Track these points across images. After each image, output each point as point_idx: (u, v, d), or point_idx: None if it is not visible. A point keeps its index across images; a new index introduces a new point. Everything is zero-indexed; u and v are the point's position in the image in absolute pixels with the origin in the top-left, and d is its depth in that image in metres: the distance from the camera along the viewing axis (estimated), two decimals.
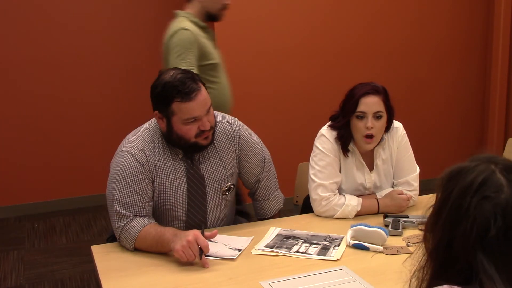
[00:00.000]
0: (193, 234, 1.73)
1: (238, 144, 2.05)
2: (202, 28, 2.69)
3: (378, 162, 2.18)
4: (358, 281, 1.59)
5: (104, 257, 1.81)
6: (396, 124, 2.20)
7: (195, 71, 2.47)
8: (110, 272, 1.70)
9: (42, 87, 4.19)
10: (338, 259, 1.74)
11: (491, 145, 4.55)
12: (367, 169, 2.17)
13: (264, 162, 2.14)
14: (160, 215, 1.98)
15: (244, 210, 2.39)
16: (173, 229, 1.82)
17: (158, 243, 1.80)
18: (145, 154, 1.91)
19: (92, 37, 4.26)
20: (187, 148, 1.94)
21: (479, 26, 4.48)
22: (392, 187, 2.22)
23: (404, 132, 2.20)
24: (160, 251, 1.80)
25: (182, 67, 2.17)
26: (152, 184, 1.92)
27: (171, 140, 1.93)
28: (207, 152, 2.00)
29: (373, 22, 4.17)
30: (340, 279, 1.61)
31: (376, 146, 2.15)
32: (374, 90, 2.07)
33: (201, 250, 1.72)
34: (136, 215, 1.87)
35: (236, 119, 2.13)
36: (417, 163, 2.27)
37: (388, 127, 2.15)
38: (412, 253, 1.07)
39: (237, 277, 1.64)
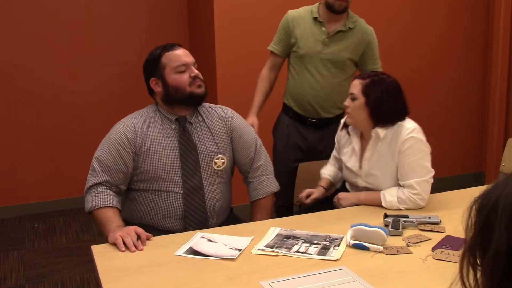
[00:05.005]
0: (132, 226, 1.90)
1: (231, 126, 2.24)
2: (314, 18, 2.72)
3: (371, 152, 2.23)
4: (358, 281, 1.59)
5: (104, 257, 1.81)
6: (408, 125, 2.20)
7: (276, 51, 2.81)
8: (110, 272, 1.70)
9: (42, 87, 4.19)
10: (338, 259, 1.74)
11: (491, 145, 4.56)
12: (359, 155, 2.28)
13: (257, 144, 2.31)
14: (156, 182, 2.13)
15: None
16: (121, 224, 1.99)
17: (104, 225, 2.01)
18: (134, 124, 2.14)
19: (93, 37, 4.27)
20: (187, 102, 2.15)
21: (479, 25, 4.48)
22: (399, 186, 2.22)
23: (412, 135, 2.18)
24: (101, 230, 2.03)
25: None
26: (136, 152, 2.11)
27: (170, 99, 2.15)
28: (200, 125, 2.20)
29: (372, 20, 4.16)
30: (340, 279, 1.61)
31: (373, 138, 2.22)
32: (361, 75, 2.27)
33: (138, 236, 1.87)
34: (108, 181, 2.08)
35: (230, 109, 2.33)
36: None
37: (375, 119, 2.19)
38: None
39: (237, 277, 1.64)
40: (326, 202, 2.36)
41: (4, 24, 4.05)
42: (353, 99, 2.22)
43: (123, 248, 1.83)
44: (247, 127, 2.32)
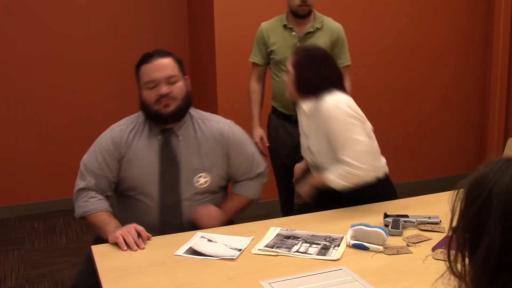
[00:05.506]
0: (132, 224, 1.88)
1: (227, 143, 2.13)
2: (284, 26, 2.95)
3: (306, 129, 2.27)
4: (358, 281, 1.59)
5: (104, 257, 1.81)
6: (330, 98, 2.14)
7: (257, 62, 3.03)
8: (110, 272, 1.70)
9: (42, 87, 4.19)
10: (338, 259, 1.74)
11: (491, 145, 4.56)
12: (303, 131, 2.33)
13: (255, 157, 2.24)
14: (136, 193, 2.07)
15: None
16: (118, 224, 1.95)
17: (101, 227, 1.96)
18: (120, 131, 2.09)
19: (93, 37, 4.27)
20: (155, 120, 2.06)
21: (479, 25, 4.48)
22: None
23: (331, 110, 2.11)
24: (99, 234, 1.99)
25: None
26: (120, 160, 2.06)
27: (144, 112, 2.08)
28: (188, 139, 2.09)
29: (371, 20, 4.17)
30: (340, 279, 1.61)
31: (303, 113, 2.27)
32: (293, 51, 2.37)
33: (139, 234, 1.86)
34: (97, 185, 2.05)
35: (230, 121, 2.22)
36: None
37: (299, 91, 2.24)
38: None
39: (237, 277, 1.64)
40: (325, 201, 2.36)
41: (4, 24, 4.05)
42: (287, 72, 2.31)
43: (125, 247, 1.82)
44: (246, 143, 2.22)
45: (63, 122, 4.28)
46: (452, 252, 0.94)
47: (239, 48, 3.79)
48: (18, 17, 4.07)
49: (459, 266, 0.93)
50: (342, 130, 2.10)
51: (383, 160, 2.30)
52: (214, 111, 3.90)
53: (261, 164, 2.28)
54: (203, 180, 2.09)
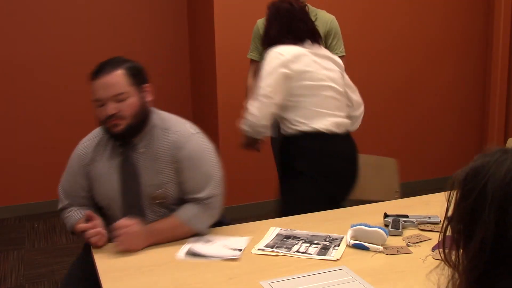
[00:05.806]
0: (81, 231, 1.92)
1: (178, 157, 1.92)
2: None
3: None
4: (358, 281, 1.59)
5: (104, 257, 1.81)
6: (274, 48, 2.22)
7: (254, 58, 3.11)
8: (110, 272, 1.70)
9: (42, 87, 4.19)
10: (338, 259, 1.74)
11: (491, 145, 4.56)
12: None
13: (209, 180, 1.94)
14: (104, 210, 2.06)
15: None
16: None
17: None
18: (85, 147, 2.03)
19: (93, 37, 4.27)
20: (110, 136, 1.97)
21: (479, 25, 4.48)
22: None
23: (266, 58, 2.21)
24: None
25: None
26: (87, 177, 2.03)
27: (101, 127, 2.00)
28: (150, 152, 1.94)
29: (371, 19, 4.17)
30: (340, 279, 1.61)
31: None
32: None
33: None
34: (72, 204, 2.06)
35: (194, 132, 1.99)
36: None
37: (263, 42, 2.35)
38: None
39: (237, 277, 1.64)
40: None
41: (4, 24, 4.06)
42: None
43: (105, 240, 1.88)
44: (204, 159, 1.95)
45: (63, 122, 4.28)
46: (447, 242, 0.94)
47: (239, 48, 3.79)
48: (18, 17, 4.07)
49: (453, 255, 0.93)
50: (260, 78, 2.19)
51: (332, 120, 2.28)
52: (214, 110, 3.90)
53: (212, 191, 1.93)
54: (160, 196, 1.94)
